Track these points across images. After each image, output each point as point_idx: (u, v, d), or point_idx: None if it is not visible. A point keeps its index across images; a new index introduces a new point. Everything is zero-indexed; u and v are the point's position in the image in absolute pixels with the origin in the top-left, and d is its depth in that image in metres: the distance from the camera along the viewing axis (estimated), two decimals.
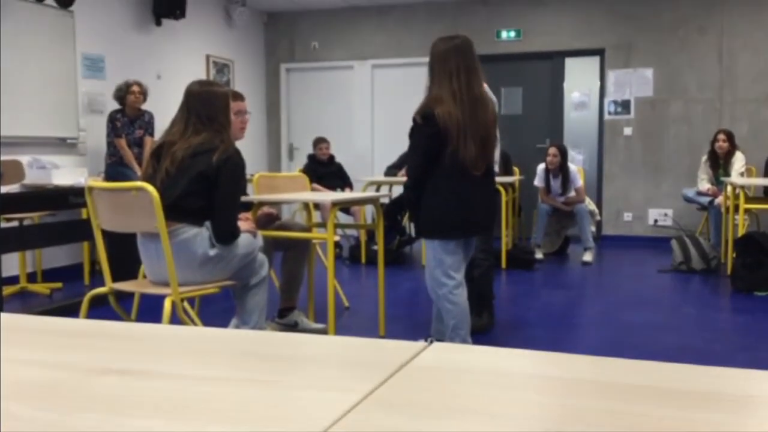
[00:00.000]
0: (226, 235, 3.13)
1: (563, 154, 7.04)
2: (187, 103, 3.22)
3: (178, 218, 3.04)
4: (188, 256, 3.07)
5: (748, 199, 5.99)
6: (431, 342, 0.85)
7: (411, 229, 7.81)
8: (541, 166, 7.19)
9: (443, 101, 3.21)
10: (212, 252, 3.09)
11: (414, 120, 3.33)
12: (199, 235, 3.08)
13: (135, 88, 6.16)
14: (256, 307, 3.33)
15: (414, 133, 3.37)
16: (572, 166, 7.18)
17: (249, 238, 3.29)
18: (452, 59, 3.25)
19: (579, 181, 7.15)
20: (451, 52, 3.27)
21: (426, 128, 3.24)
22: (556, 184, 7.10)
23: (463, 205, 3.30)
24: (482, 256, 4.11)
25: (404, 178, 7.13)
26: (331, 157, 7.73)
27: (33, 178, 4.99)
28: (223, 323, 3.61)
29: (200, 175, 3.04)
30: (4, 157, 5.45)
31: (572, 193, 7.09)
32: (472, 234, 3.46)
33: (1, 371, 0.76)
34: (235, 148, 3.21)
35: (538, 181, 7.21)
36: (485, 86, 3.46)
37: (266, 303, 3.42)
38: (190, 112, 3.18)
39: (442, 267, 3.36)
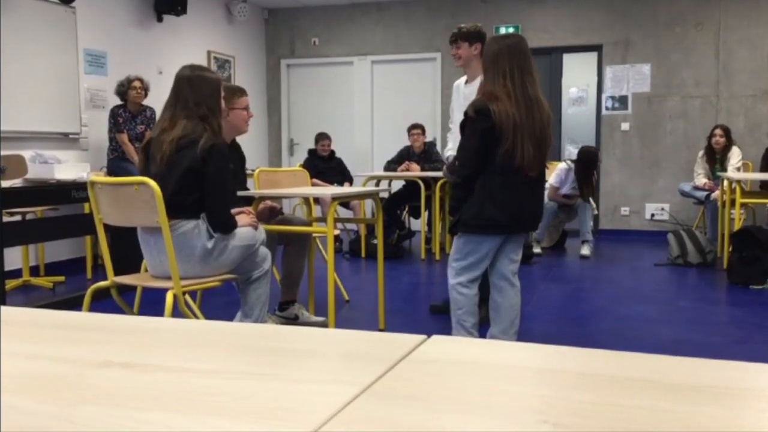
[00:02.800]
0: (222, 224, 3.12)
1: None
2: (176, 87, 3.17)
3: (174, 214, 3.03)
4: (188, 250, 3.07)
5: (744, 194, 6.03)
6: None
7: (410, 223, 7.88)
8: (563, 166, 7.05)
9: (499, 99, 3.12)
10: (210, 244, 3.09)
11: (466, 114, 3.21)
12: (197, 228, 3.08)
13: (136, 84, 6.18)
14: (258, 301, 3.33)
15: (466, 129, 3.23)
16: None
17: (249, 230, 3.27)
18: (505, 59, 3.17)
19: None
20: (503, 53, 3.18)
21: (480, 123, 3.12)
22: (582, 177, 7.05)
23: (512, 205, 3.21)
24: None
25: (404, 174, 7.19)
26: (332, 153, 7.76)
27: (36, 172, 5.03)
28: (225, 316, 3.65)
29: (188, 170, 3.02)
30: (7, 152, 5.49)
31: None
32: (514, 232, 3.36)
33: (3, 364, 0.76)
34: (220, 137, 3.14)
35: (556, 181, 7.02)
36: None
37: (268, 296, 3.42)
38: (178, 97, 3.14)
39: (467, 262, 3.31)
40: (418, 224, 7.52)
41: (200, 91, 3.14)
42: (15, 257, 5.51)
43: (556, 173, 7.07)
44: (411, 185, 7.14)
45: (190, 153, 3.02)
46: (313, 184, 5.65)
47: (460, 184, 3.30)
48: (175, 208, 3.02)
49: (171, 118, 3.12)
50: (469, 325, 3.38)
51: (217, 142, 3.10)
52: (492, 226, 3.24)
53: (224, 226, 3.14)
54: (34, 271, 5.86)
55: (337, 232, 4.26)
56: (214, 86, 3.20)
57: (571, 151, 8.24)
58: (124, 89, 6.20)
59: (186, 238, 3.07)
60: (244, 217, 3.30)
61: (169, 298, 2.98)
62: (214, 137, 3.09)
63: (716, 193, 6.78)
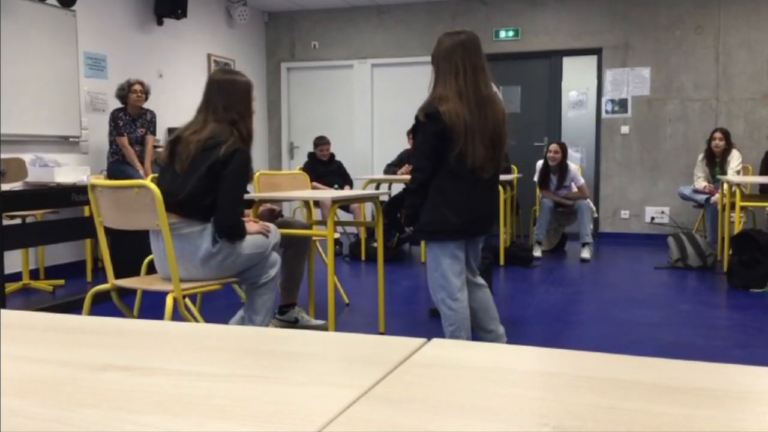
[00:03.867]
0: (228, 229, 3.09)
1: (564, 151, 7.13)
2: (207, 92, 3.20)
3: (187, 213, 3.04)
4: (191, 249, 3.07)
5: (744, 197, 6.03)
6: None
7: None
8: (540, 163, 7.27)
9: (449, 99, 3.05)
10: (215, 248, 3.08)
11: (417, 119, 3.15)
12: (204, 231, 3.08)
13: (137, 87, 6.19)
14: (263, 307, 3.31)
15: (417, 133, 3.18)
16: (572, 165, 7.25)
17: (260, 238, 3.25)
18: (457, 57, 3.09)
19: (581, 179, 7.22)
20: (456, 49, 3.10)
21: (431, 126, 3.06)
22: (554, 179, 7.17)
23: (468, 208, 3.16)
24: (483, 254, 4.11)
25: (404, 177, 7.18)
26: (332, 156, 7.76)
27: (36, 176, 5.02)
28: (225, 319, 3.65)
29: (209, 169, 3.03)
30: (7, 155, 5.49)
31: (574, 189, 7.16)
32: (474, 236, 3.32)
33: (3, 367, 0.76)
34: (248, 143, 3.17)
35: (537, 177, 7.32)
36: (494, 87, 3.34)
37: (274, 302, 3.40)
38: (208, 101, 3.17)
39: (440, 270, 3.23)
40: None
41: (229, 96, 3.16)
42: (15, 260, 5.51)
43: (537, 171, 7.32)
44: None
45: (213, 154, 3.03)
46: (313, 188, 5.65)
47: (415, 190, 3.22)
48: (190, 208, 3.04)
49: (203, 121, 3.15)
50: (463, 339, 3.26)
51: (242, 147, 3.09)
52: (447, 231, 3.18)
53: (231, 230, 3.11)
54: (34, 274, 5.86)
55: (337, 235, 4.26)
56: (243, 90, 3.22)
57: (571, 154, 8.24)
58: (124, 92, 6.20)
59: (192, 237, 3.07)
60: (252, 225, 3.29)
61: (169, 301, 2.98)
62: (241, 142, 3.10)
63: (716, 197, 6.78)
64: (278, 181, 4.66)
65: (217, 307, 4.63)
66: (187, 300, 3.24)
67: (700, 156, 7.26)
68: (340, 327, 4.15)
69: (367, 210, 7.65)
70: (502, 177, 6.25)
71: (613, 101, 8.45)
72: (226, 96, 3.15)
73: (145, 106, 6.31)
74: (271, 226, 3.43)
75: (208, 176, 3.04)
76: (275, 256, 3.37)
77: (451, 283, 3.23)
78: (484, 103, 3.10)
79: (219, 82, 3.20)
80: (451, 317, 3.25)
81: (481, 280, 3.46)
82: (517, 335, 4.18)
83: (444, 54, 3.15)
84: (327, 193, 4.90)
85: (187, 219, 3.05)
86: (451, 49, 3.14)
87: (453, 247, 3.22)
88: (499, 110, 3.16)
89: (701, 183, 7.14)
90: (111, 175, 5.97)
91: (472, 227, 3.24)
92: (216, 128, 3.09)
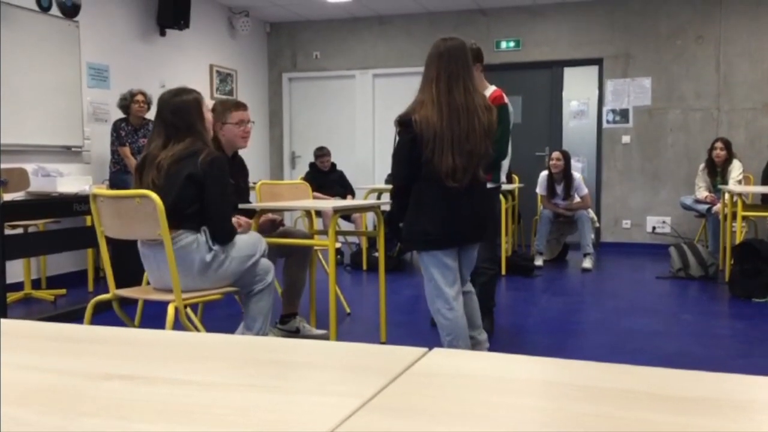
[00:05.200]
0: (224, 235, 3.15)
1: (566, 159, 7.12)
2: (160, 115, 3.21)
3: (175, 223, 3.05)
4: (186, 263, 3.08)
5: (745, 207, 6.02)
6: None
7: None
8: (544, 173, 7.26)
9: (424, 107, 3.07)
10: (208, 257, 3.10)
11: (394, 126, 3.22)
12: (195, 242, 3.10)
13: (139, 98, 6.21)
14: (260, 314, 3.32)
15: (395, 140, 3.22)
16: (576, 174, 7.25)
17: (248, 241, 3.28)
18: (434, 65, 3.11)
19: (584, 188, 7.23)
20: (433, 58, 3.12)
21: (403, 134, 3.10)
22: (559, 189, 7.16)
23: (444, 217, 3.10)
24: (487, 265, 4.08)
25: None
26: (333, 165, 7.76)
27: (38, 185, 5.04)
28: (226, 329, 3.65)
29: (188, 177, 3.05)
30: (9, 165, 5.50)
31: (577, 200, 7.16)
32: (459, 245, 3.25)
33: (5, 376, 0.77)
34: (217, 151, 3.22)
35: (540, 189, 7.27)
36: (486, 94, 3.30)
37: (271, 309, 3.40)
38: (166, 124, 3.18)
39: (432, 281, 3.20)
40: None
41: (184, 117, 3.17)
42: (17, 270, 5.50)
43: (539, 181, 7.31)
44: None
45: (190, 163, 3.06)
46: (315, 198, 5.65)
47: (395, 197, 3.24)
48: (176, 217, 3.05)
49: (165, 142, 3.16)
50: (462, 348, 3.22)
51: (218, 155, 3.15)
52: (424, 240, 3.17)
53: (226, 238, 3.16)
54: (36, 283, 5.86)
55: (338, 244, 4.26)
56: (194, 107, 3.22)
57: (572, 164, 8.24)
58: (126, 103, 6.22)
59: (185, 252, 3.08)
60: (239, 223, 3.36)
61: (170, 310, 2.98)
62: (215, 152, 3.17)
63: (717, 206, 6.78)
64: (280, 191, 4.67)
65: (218, 317, 4.62)
66: (188, 309, 3.24)
67: (702, 166, 7.26)
68: (341, 336, 4.14)
69: (369, 220, 7.64)
70: (505, 186, 6.27)
71: (614, 111, 8.46)
72: (181, 118, 3.17)
73: (148, 116, 6.32)
74: (255, 234, 3.47)
75: (188, 185, 3.06)
76: (267, 262, 3.38)
77: (444, 293, 3.19)
78: (457, 111, 3.05)
79: (169, 105, 3.20)
80: (447, 327, 3.22)
81: (468, 287, 3.43)
82: (518, 344, 4.18)
83: (427, 60, 3.17)
84: (328, 203, 4.90)
85: (174, 230, 3.06)
86: (430, 57, 3.16)
87: (441, 256, 3.18)
88: (477, 120, 3.08)
89: (702, 193, 7.14)
90: (113, 185, 5.99)
91: (451, 237, 3.18)
92: (189, 141, 3.13)
